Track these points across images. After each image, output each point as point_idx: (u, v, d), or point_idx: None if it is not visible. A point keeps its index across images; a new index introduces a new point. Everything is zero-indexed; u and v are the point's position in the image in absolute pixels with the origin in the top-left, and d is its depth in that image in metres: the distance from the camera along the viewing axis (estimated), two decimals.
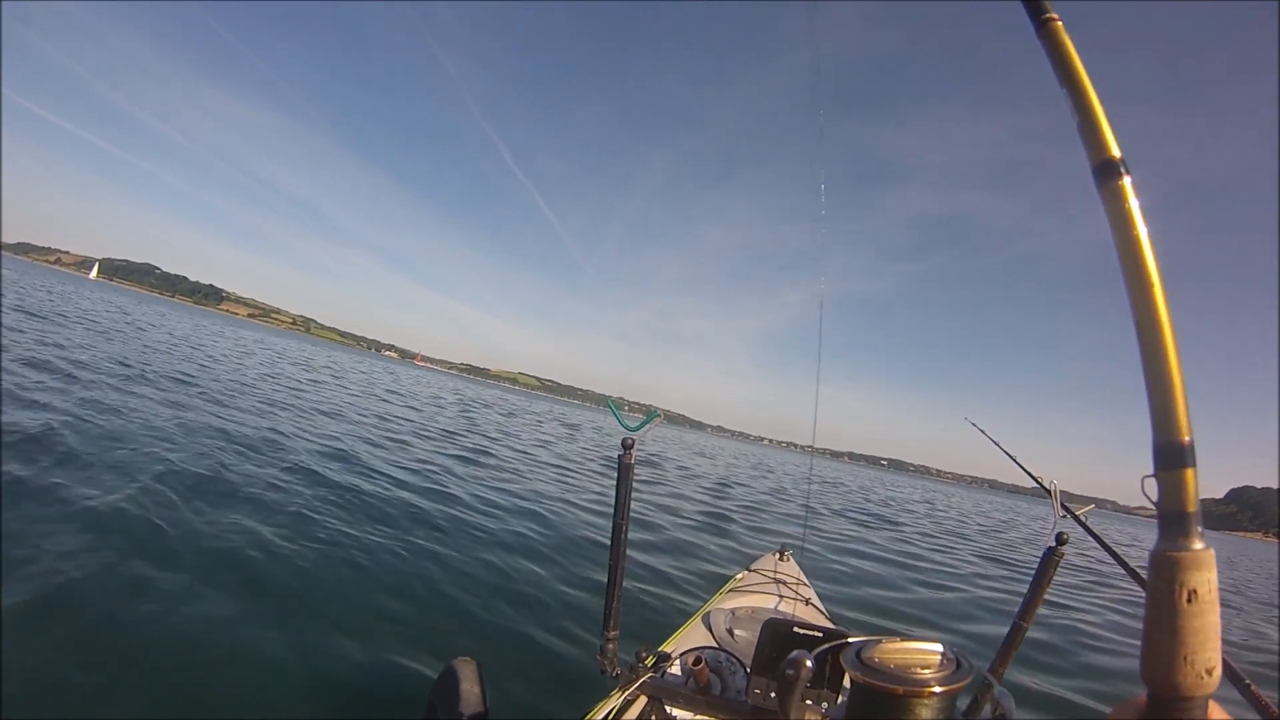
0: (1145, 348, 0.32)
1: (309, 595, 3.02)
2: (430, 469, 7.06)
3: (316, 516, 4.19)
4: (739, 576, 2.92)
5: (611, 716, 1.47)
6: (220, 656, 2.33)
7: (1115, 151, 0.36)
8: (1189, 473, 0.30)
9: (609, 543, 1.57)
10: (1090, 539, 1.52)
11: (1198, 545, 0.29)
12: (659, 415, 1.50)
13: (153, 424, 5.68)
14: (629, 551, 1.57)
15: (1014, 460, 1.83)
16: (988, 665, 1.52)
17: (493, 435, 12.98)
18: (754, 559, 3.37)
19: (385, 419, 10.89)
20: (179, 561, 3.00)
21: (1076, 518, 1.56)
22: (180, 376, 9.45)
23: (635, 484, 1.51)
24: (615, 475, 1.53)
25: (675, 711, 1.52)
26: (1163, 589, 0.29)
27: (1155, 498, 0.31)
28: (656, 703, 1.54)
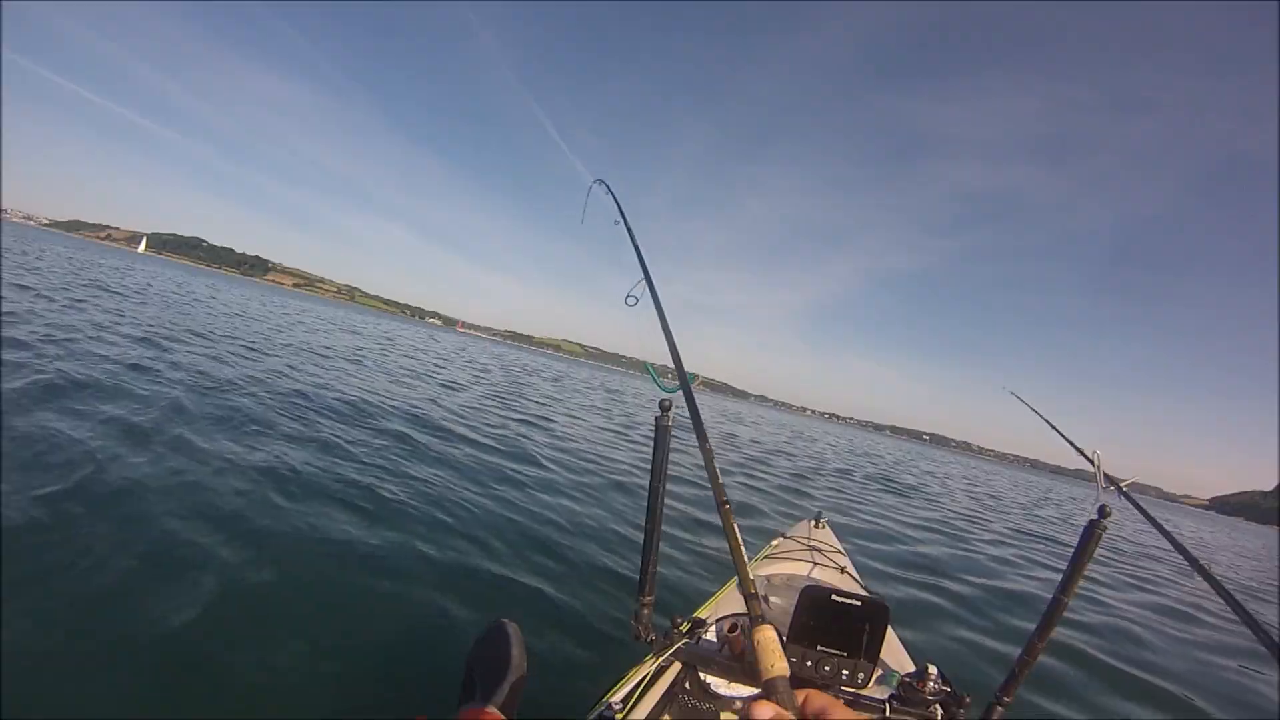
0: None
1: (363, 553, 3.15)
2: (481, 428, 7.25)
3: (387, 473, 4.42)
4: (774, 543, 2.90)
5: (645, 682, 1.48)
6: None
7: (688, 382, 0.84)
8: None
9: (645, 507, 1.55)
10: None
11: (766, 626, 0.58)
12: (696, 378, 1.50)
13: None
14: (667, 515, 1.57)
15: (1056, 430, 1.76)
16: (1028, 639, 1.50)
17: (540, 400, 13.25)
18: (789, 526, 3.34)
19: (448, 383, 11.17)
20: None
21: (1122, 490, 1.49)
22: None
23: (673, 447, 1.49)
24: (652, 439, 1.48)
25: (709, 679, 1.54)
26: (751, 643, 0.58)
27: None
28: (691, 669, 1.56)
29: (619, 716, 1.38)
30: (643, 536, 1.56)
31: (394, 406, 7.62)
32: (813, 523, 3.25)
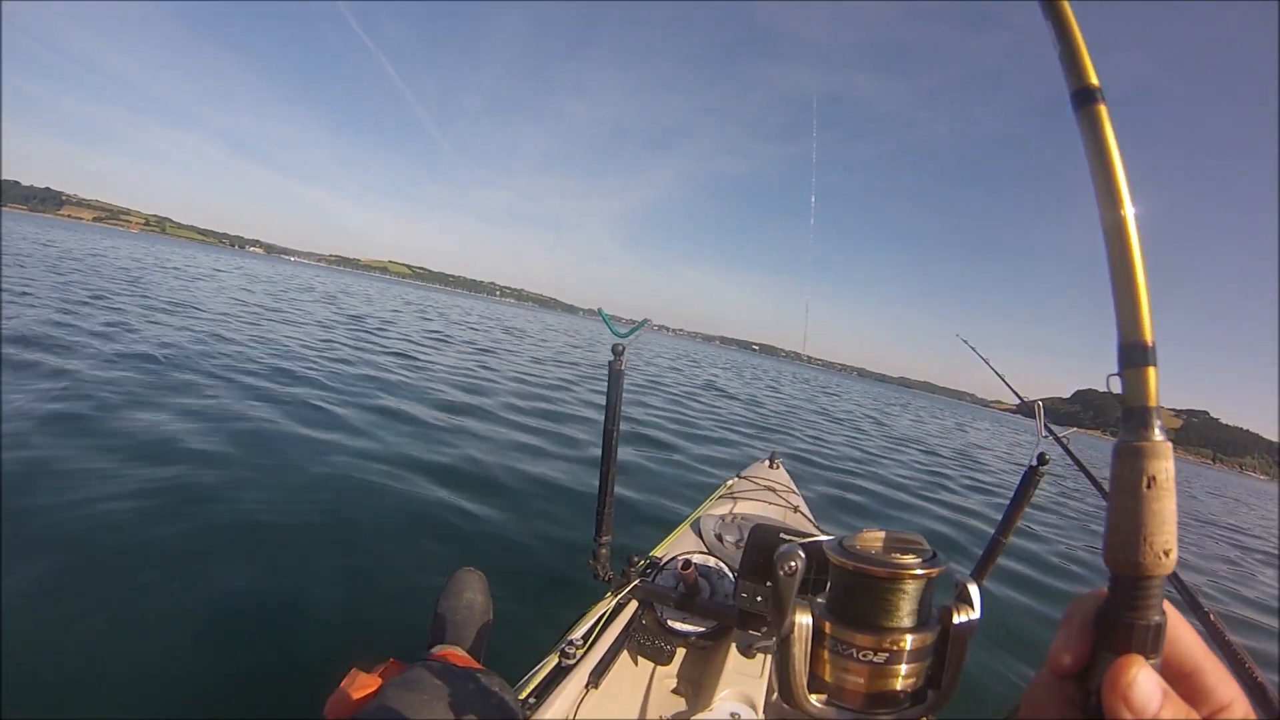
0: (1113, 257, 0.31)
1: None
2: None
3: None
4: (729, 483, 2.89)
5: (604, 619, 1.50)
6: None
7: (1094, 80, 0.35)
8: (1150, 370, 0.30)
9: (600, 449, 1.55)
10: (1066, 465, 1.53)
11: (1158, 436, 0.29)
12: (648, 321, 1.48)
13: None
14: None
15: (1001, 378, 1.89)
16: (969, 573, 1.60)
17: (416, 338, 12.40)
18: (744, 466, 3.34)
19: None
20: None
21: (1058, 439, 1.59)
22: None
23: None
24: (605, 381, 1.49)
25: (665, 614, 1.58)
26: (1125, 476, 0.30)
27: (1120, 392, 0.31)
28: (647, 606, 1.60)
29: (579, 652, 1.39)
30: (598, 479, 1.54)
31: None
32: (768, 463, 3.25)
